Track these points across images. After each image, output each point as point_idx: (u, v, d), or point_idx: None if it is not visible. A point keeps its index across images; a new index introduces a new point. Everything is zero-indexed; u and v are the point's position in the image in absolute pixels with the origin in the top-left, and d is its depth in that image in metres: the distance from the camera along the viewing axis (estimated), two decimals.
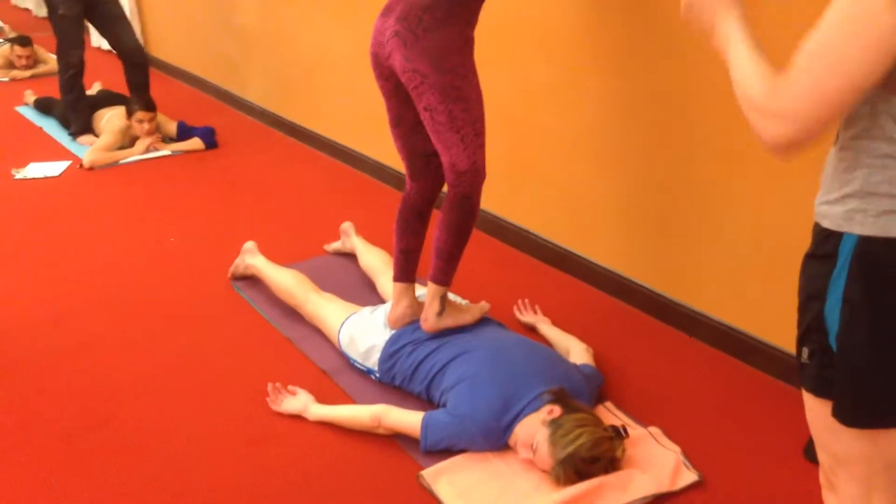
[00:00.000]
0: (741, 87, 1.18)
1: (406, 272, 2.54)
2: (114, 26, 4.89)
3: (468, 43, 2.22)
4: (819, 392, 1.26)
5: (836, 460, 1.29)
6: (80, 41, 4.83)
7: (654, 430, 2.25)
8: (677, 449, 2.18)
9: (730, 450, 2.21)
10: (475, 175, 2.30)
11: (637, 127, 2.77)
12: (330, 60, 4.45)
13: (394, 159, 4.06)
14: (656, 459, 2.14)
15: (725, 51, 1.24)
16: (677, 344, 2.74)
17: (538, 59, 3.09)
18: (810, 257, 1.24)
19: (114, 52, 5.09)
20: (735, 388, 2.49)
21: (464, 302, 2.66)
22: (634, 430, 2.24)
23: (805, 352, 1.26)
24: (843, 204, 1.17)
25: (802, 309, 1.26)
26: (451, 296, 2.67)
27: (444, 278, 2.42)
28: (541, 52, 3.07)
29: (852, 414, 1.21)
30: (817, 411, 1.28)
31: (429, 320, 2.43)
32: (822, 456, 1.33)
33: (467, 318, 2.49)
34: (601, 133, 2.91)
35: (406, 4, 2.19)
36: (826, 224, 1.19)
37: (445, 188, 2.37)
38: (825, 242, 1.19)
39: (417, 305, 2.54)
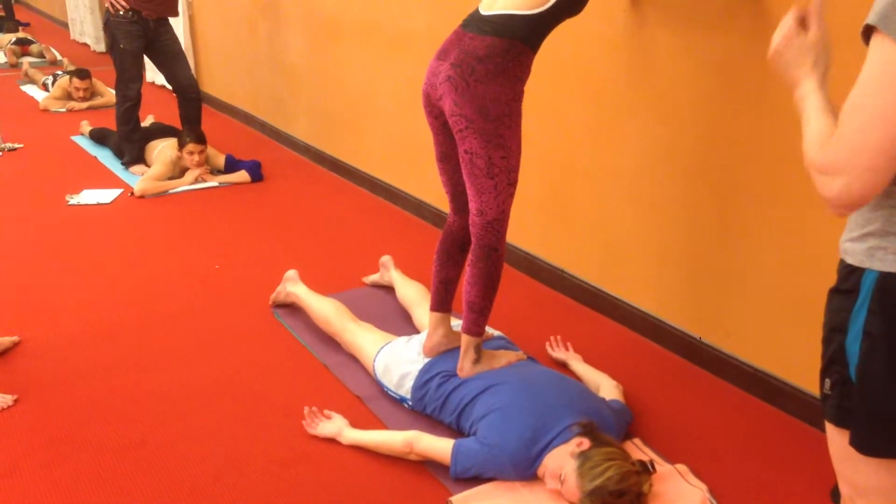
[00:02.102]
0: (805, 148, 1.23)
1: (444, 302, 2.61)
2: (171, 62, 5.10)
3: (517, 97, 2.27)
4: (839, 422, 1.30)
5: (855, 491, 1.33)
6: (139, 75, 5.04)
7: (681, 467, 2.27)
8: (704, 487, 2.20)
9: (756, 490, 2.23)
10: (501, 224, 2.35)
11: (672, 171, 2.83)
12: (373, 100, 4.59)
13: (433, 197, 4.16)
14: (683, 496, 2.16)
15: (801, 110, 1.29)
16: (706, 384, 2.76)
17: (579, 101, 3.17)
18: (835, 292, 1.29)
19: (168, 86, 5.28)
20: (763, 429, 2.51)
21: (496, 333, 2.72)
22: (662, 466, 2.27)
23: (827, 383, 1.31)
24: (864, 241, 1.23)
25: (826, 341, 1.31)
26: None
27: (477, 330, 2.47)
28: (582, 94, 3.15)
29: (869, 443, 1.25)
30: (837, 442, 1.32)
31: (465, 369, 2.48)
32: (842, 487, 1.37)
33: (501, 363, 2.53)
34: (637, 176, 2.98)
35: (461, 51, 2.24)
36: (849, 260, 1.25)
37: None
38: (848, 278, 1.24)
39: (453, 335, 2.60)
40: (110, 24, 4.90)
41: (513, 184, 2.33)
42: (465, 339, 2.48)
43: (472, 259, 2.41)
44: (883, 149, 1.10)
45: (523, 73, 2.27)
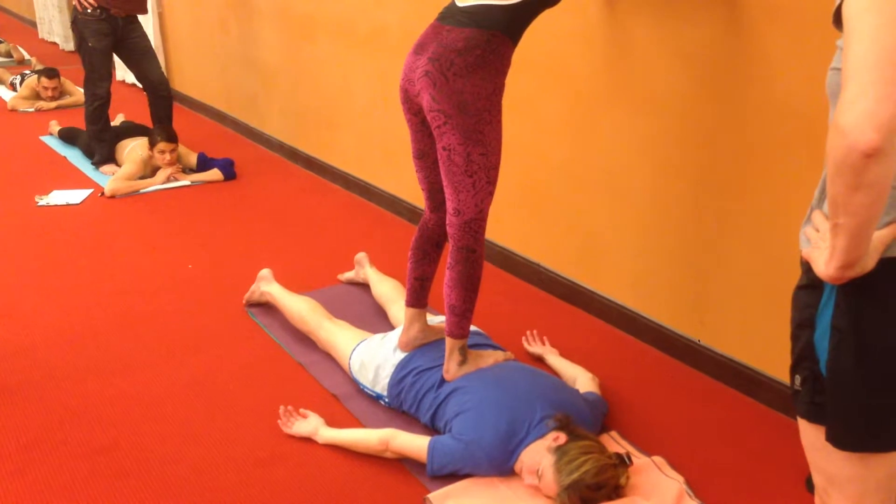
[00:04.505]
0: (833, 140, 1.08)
1: (419, 298, 2.59)
2: (141, 60, 5.04)
3: (497, 90, 2.22)
4: (811, 417, 1.30)
5: (829, 481, 1.33)
6: (108, 73, 4.97)
7: (658, 459, 2.28)
8: (681, 478, 2.20)
9: (733, 480, 2.24)
10: (479, 224, 2.30)
11: (648, 164, 2.84)
12: (347, 96, 4.56)
13: (407, 192, 4.15)
14: (660, 488, 2.16)
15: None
16: (683, 376, 2.77)
17: (554, 95, 3.17)
18: (799, 288, 1.29)
19: (138, 84, 5.22)
20: (739, 420, 2.52)
21: (473, 328, 2.71)
22: (638, 458, 2.27)
23: (797, 379, 1.31)
24: None
25: (794, 338, 1.31)
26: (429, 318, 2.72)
27: (461, 332, 2.43)
28: (556, 87, 3.15)
29: (845, 438, 1.25)
30: (810, 435, 1.32)
31: (451, 371, 2.44)
32: (816, 477, 1.37)
33: (489, 363, 2.49)
34: (613, 169, 2.98)
35: (439, 45, 2.19)
36: None
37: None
38: (812, 272, 1.24)
39: (429, 329, 2.59)
40: (78, 22, 4.83)
41: (492, 182, 2.28)
42: (448, 341, 2.44)
43: (451, 262, 2.36)
44: (883, 57, 1.02)
45: (504, 66, 2.22)
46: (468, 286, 2.37)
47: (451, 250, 2.36)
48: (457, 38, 2.17)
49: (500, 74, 2.21)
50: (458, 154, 2.20)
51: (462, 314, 2.41)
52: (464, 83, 2.15)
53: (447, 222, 2.34)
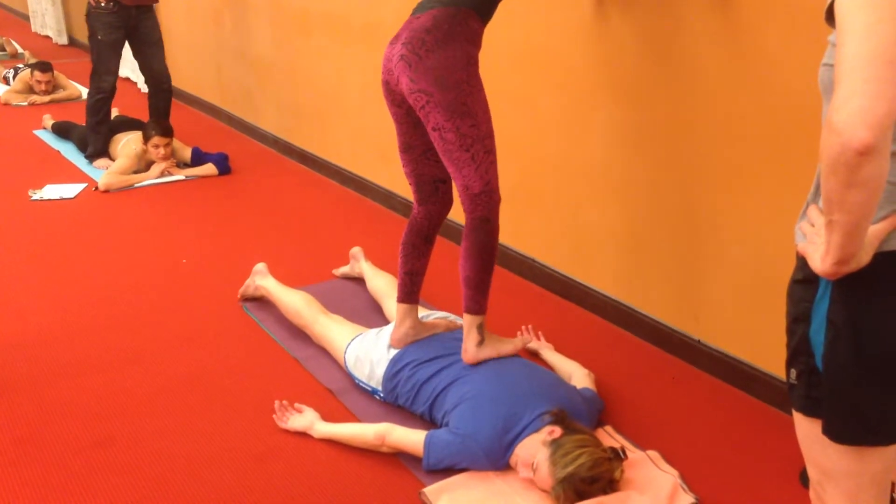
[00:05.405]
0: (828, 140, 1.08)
1: (410, 294, 2.59)
2: (148, 49, 5.05)
3: (471, 61, 2.27)
4: (807, 411, 1.31)
5: (824, 475, 1.34)
6: (115, 68, 5.00)
7: (652, 453, 2.29)
8: (675, 472, 2.21)
9: (727, 474, 2.25)
10: (490, 196, 2.30)
11: (642, 159, 2.84)
12: (341, 91, 4.55)
13: (401, 187, 4.14)
14: (654, 482, 2.17)
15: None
16: (677, 371, 2.78)
17: (547, 89, 3.17)
18: (795, 282, 1.29)
19: (133, 77, 5.21)
20: (734, 415, 2.53)
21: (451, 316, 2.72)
22: (633, 452, 2.28)
23: (793, 373, 1.31)
24: None
25: (789, 332, 1.31)
26: (440, 314, 2.73)
27: (477, 307, 2.41)
28: (549, 83, 3.15)
29: (843, 432, 1.26)
30: (805, 428, 1.33)
31: (469, 351, 2.41)
32: (811, 471, 1.38)
33: (508, 349, 2.46)
34: (607, 164, 2.98)
35: (410, 30, 2.27)
36: None
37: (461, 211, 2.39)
38: (807, 267, 1.24)
39: (420, 326, 2.59)
40: (91, 15, 4.86)
41: (490, 152, 2.28)
42: (466, 318, 2.42)
43: (465, 232, 2.37)
44: (876, 55, 1.02)
45: (474, 37, 2.28)
46: (483, 256, 2.36)
47: (465, 221, 2.36)
48: (425, 20, 2.25)
49: (471, 45, 2.27)
50: (449, 131, 2.23)
51: (476, 287, 2.39)
52: (436, 58, 2.21)
53: (460, 199, 2.34)
